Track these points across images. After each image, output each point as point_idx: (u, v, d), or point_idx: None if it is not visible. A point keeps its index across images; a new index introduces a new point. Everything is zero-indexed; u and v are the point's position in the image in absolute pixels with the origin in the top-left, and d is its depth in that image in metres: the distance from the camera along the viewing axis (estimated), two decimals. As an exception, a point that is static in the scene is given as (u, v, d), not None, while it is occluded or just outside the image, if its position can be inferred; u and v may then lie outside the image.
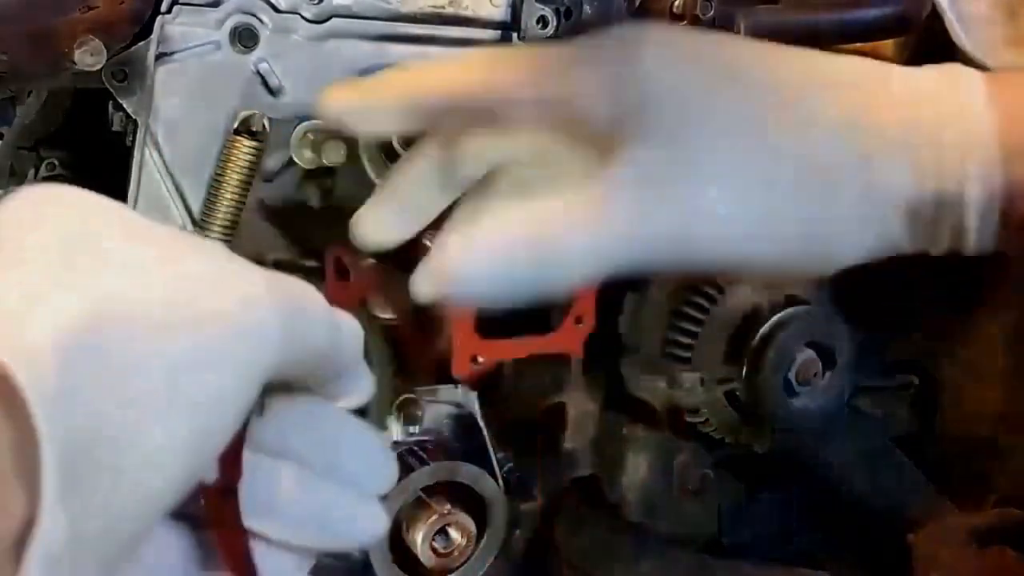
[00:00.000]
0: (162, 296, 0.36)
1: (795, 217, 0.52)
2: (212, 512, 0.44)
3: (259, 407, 0.46)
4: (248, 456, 0.44)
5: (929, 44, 1.16)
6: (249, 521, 0.45)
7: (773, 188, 0.52)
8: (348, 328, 0.47)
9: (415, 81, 0.59)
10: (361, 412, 0.92)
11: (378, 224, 0.65)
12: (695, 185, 0.51)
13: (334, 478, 0.47)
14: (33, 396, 0.32)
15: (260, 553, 0.45)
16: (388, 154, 0.82)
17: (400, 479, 0.93)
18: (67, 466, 0.32)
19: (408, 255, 0.88)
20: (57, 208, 0.39)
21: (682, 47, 0.54)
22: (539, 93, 0.54)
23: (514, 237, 0.52)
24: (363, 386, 0.51)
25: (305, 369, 0.44)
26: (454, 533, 0.94)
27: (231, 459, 0.43)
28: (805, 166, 0.52)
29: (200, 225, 0.82)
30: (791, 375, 1.07)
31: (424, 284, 0.55)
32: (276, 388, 0.45)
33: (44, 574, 0.32)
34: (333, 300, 0.46)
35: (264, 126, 0.82)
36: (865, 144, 0.52)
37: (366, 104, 0.60)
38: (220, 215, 0.82)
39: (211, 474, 0.43)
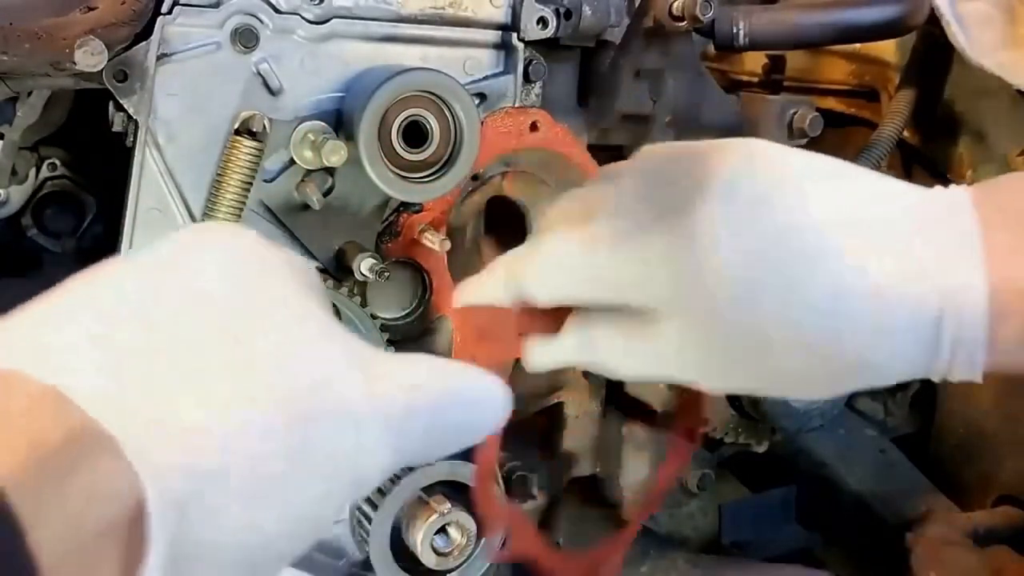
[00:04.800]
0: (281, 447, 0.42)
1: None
2: None
3: None
4: None
5: (928, 45, 1.16)
6: None
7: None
8: (479, 399, 0.50)
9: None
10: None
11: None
12: None
13: None
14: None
15: None
16: (388, 154, 0.82)
17: (400, 479, 0.93)
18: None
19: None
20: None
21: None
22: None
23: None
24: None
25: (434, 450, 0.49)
26: (454, 533, 0.94)
27: None
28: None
29: (200, 225, 0.82)
30: (791, 375, 1.07)
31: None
32: None
33: None
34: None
35: (264, 126, 0.82)
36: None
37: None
38: (220, 215, 0.82)
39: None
